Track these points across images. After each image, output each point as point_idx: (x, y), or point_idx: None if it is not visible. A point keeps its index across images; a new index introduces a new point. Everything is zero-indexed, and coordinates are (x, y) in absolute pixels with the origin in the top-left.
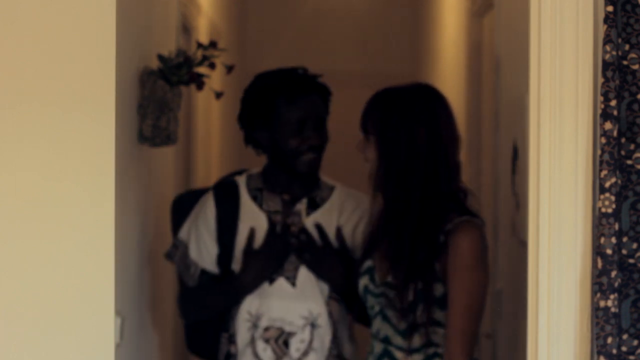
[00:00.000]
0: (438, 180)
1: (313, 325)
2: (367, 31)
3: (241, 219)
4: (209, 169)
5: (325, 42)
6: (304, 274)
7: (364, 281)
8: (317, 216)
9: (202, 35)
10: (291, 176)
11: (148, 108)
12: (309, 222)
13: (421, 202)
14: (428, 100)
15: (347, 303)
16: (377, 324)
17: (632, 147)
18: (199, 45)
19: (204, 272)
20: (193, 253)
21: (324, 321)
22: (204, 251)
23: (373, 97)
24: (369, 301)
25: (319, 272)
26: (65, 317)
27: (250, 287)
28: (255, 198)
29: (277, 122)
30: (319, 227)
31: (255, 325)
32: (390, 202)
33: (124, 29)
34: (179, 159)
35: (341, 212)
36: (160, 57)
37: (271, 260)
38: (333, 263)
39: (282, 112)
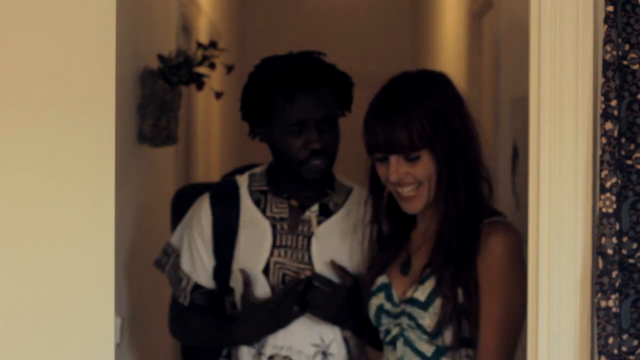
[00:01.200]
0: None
1: (325, 354)
2: (367, 31)
3: (241, 227)
4: (209, 169)
5: (325, 42)
6: None
7: (377, 300)
8: (330, 225)
9: (202, 35)
10: (299, 180)
11: (148, 108)
12: (321, 232)
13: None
14: (449, 87)
15: (355, 327)
16: (400, 349)
17: (632, 147)
18: (199, 45)
19: (197, 287)
20: (185, 264)
21: (337, 349)
22: (197, 263)
23: (401, 112)
24: (384, 323)
25: (328, 318)
26: (65, 317)
27: (248, 340)
28: (258, 202)
29: (276, 121)
30: (335, 267)
31: (259, 353)
32: (451, 211)
33: (124, 29)
34: (179, 159)
35: (358, 221)
36: (160, 57)
37: (274, 318)
38: (345, 306)
39: (280, 110)
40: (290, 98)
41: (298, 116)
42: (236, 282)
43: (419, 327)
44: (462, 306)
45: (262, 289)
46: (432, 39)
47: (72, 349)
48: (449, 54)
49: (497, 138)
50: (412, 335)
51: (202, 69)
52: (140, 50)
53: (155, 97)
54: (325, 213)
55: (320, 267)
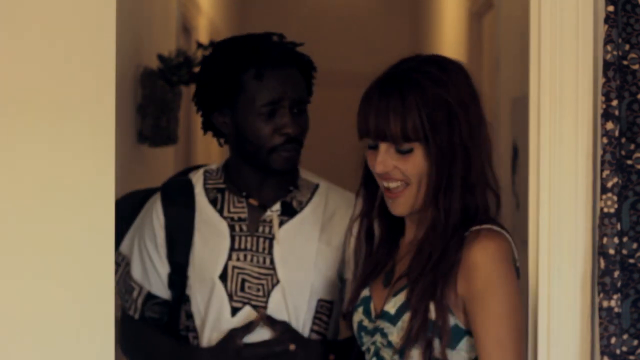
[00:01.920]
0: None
1: None
2: (367, 31)
3: (197, 229)
4: None
5: (325, 42)
6: (277, 300)
7: (358, 316)
8: (294, 226)
9: (202, 35)
10: (262, 174)
11: (148, 108)
12: (283, 233)
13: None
14: (461, 78)
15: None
16: None
17: (632, 147)
18: (199, 45)
19: (150, 297)
20: (136, 272)
21: None
22: (150, 270)
23: (398, 96)
24: (365, 342)
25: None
26: (65, 317)
27: None
28: (214, 201)
29: (242, 105)
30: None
31: None
32: (439, 219)
33: (124, 29)
34: (179, 159)
35: (326, 221)
36: (160, 57)
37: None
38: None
39: (248, 90)
40: (260, 76)
41: (270, 96)
42: (192, 290)
43: (389, 344)
44: (435, 323)
45: (218, 296)
46: (432, 39)
47: (72, 349)
48: (449, 54)
49: (497, 138)
50: (385, 354)
51: None
52: (140, 50)
53: (155, 97)
54: (289, 212)
55: (283, 271)
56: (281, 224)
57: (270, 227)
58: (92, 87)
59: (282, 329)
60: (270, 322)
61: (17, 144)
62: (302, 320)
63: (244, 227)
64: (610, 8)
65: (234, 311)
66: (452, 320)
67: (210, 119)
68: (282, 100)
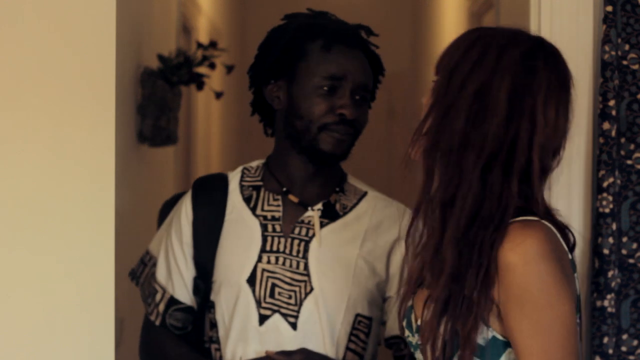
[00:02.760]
0: (510, 162)
1: None
2: None
3: (225, 227)
4: (209, 169)
5: None
6: (310, 310)
7: (406, 331)
8: (335, 230)
9: (202, 35)
10: (308, 164)
11: (148, 108)
12: (323, 236)
13: (480, 189)
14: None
15: None
16: None
17: (632, 147)
18: (199, 45)
19: (173, 301)
20: (161, 274)
21: None
22: (174, 273)
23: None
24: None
25: None
26: (65, 318)
27: None
28: (248, 199)
29: (303, 74)
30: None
31: None
32: (443, 187)
33: (124, 29)
34: (179, 159)
35: (370, 230)
36: (160, 57)
37: None
38: None
39: (312, 59)
40: (328, 47)
41: (334, 69)
42: (217, 295)
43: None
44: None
45: (244, 302)
46: (432, 39)
47: (73, 350)
48: None
49: None
50: None
51: (202, 69)
52: (140, 50)
53: (155, 97)
54: (330, 215)
55: (318, 278)
56: (321, 226)
57: (308, 230)
58: (92, 87)
59: (301, 357)
60: (287, 354)
61: (18, 144)
62: (336, 335)
63: (278, 227)
64: (609, 8)
65: (262, 319)
66: (489, 333)
67: (262, 94)
68: (345, 78)
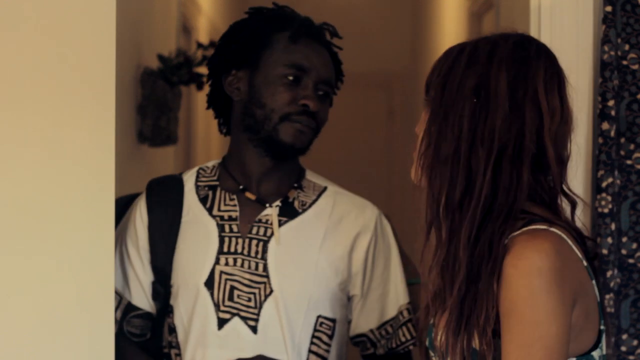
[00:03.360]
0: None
1: None
2: (367, 31)
3: (182, 230)
4: None
5: None
6: (270, 313)
7: (430, 351)
8: (293, 229)
9: (202, 35)
10: (265, 158)
11: (148, 108)
12: (282, 235)
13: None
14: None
15: None
16: None
17: (631, 147)
18: (199, 45)
19: (131, 308)
20: (117, 281)
21: None
22: (131, 278)
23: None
24: None
25: None
26: (65, 318)
27: None
28: (204, 200)
29: (267, 63)
30: None
31: None
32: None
33: (124, 29)
34: (179, 159)
35: (331, 227)
36: (160, 57)
37: None
38: None
39: (278, 49)
40: (295, 39)
41: (300, 60)
42: (176, 299)
43: None
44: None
45: (203, 305)
46: (432, 39)
47: (73, 350)
48: None
49: None
50: None
51: (202, 69)
52: (140, 50)
53: (155, 97)
54: (289, 213)
55: (278, 279)
56: (279, 225)
57: (266, 229)
58: (92, 87)
59: None
60: None
61: (17, 144)
62: (297, 338)
63: (235, 228)
64: (609, 8)
65: (221, 323)
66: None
67: (221, 86)
68: (309, 70)
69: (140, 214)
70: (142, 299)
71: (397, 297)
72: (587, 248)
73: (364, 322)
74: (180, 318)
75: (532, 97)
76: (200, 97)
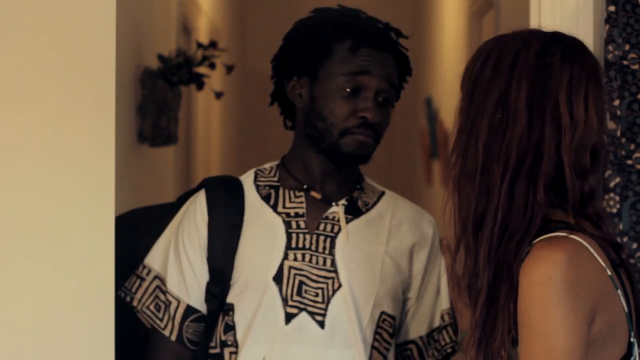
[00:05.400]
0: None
1: None
2: None
3: (245, 227)
4: (209, 169)
5: None
6: (338, 308)
7: None
8: (360, 225)
9: (202, 35)
10: (328, 163)
11: (148, 108)
12: (349, 231)
13: (508, 205)
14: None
15: None
16: None
17: (632, 147)
18: (199, 45)
19: (190, 311)
20: (173, 284)
21: None
22: (189, 279)
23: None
24: None
25: None
26: (65, 318)
27: None
28: (267, 197)
29: (327, 74)
30: None
31: None
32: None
33: (124, 29)
34: (179, 159)
35: (393, 229)
36: (160, 57)
37: None
38: None
39: (337, 59)
40: (355, 49)
41: (359, 67)
42: (238, 297)
43: None
44: None
45: (270, 300)
46: (432, 39)
47: (72, 350)
48: (449, 54)
49: None
50: None
51: (202, 69)
52: (140, 50)
53: (155, 97)
54: (354, 212)
55: (346, 275)
56: (347, 222)
57: (333, 225)
58: (92, 87)
59: None
60: None
61: (17, 144)
62: (363, 334)
63: (302, 224)
64: (612, 8)
65: (289, 318)
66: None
67: (283, 88)
68: (368, 76)
69: (201, 213)
70: (200, 301)
71: (442, 304)
72: (616, 256)
73: (415, 328)
74: (242, 314)
75: (552, 112)
76: (201, 97)
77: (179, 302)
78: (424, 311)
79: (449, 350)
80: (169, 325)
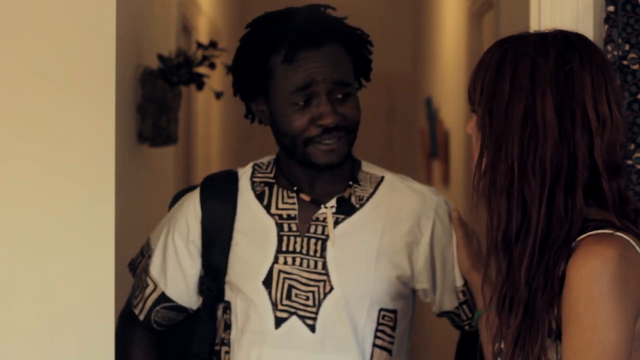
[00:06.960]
0: (574, 175)
1: None
2: (367, 31)
3: (237, 227)
4: (209, 169)
5: None
6: (329, 311)
7: None
8: (351, 226)
9: (202, 35)
10: (309, 169)
11: (148, 108)
12: (338, 235)
13: (548, 210)
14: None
15: None
16: None
17: (632, 147)
18: (199, 45)
19: (163, 299)
20: (155, 268)
21: None
22: (171, 269)
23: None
24: None
25: None
26: (65, 318)
27: None
28: (260, 197)
29: (274, 93)
30: None
31: None
32: (503, 215)
33: (124, 29)
34: (179, 159)
35: (390, 218)
36: (160, 57)
37: None
38: None
39: (278, 76)
40: (290, 59)
41: (300, 81)
42: (232, 297)
43: None
44: None
45: (260, 304)
46: (432, 39)
47: (72, 350)
48: (449, 54)
49: None
50: None
51: (202, 69)
52: (140, 50)
53: (155, 97)
54: (346, 210)
55: (338, 277)
56: (337, 223)
57: (323, 227)
58: (92, 87)
59: None
60: None
61: (17, 144)
62: (360, 334)
63: (294, 227)
64: (611, 8)
65: (279, 322)
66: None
67: (249, 109)
68: (313, 85)
69: (193, 209)
70: (179, 292)
71: (457, 282)
72: None
73: (449, 302)
74: (235, 315)
75: (582, 118)
76: (200, 97)
77: (155, 286)
78: (449, 290)
79: (466, 328)
80: (140, 305)
